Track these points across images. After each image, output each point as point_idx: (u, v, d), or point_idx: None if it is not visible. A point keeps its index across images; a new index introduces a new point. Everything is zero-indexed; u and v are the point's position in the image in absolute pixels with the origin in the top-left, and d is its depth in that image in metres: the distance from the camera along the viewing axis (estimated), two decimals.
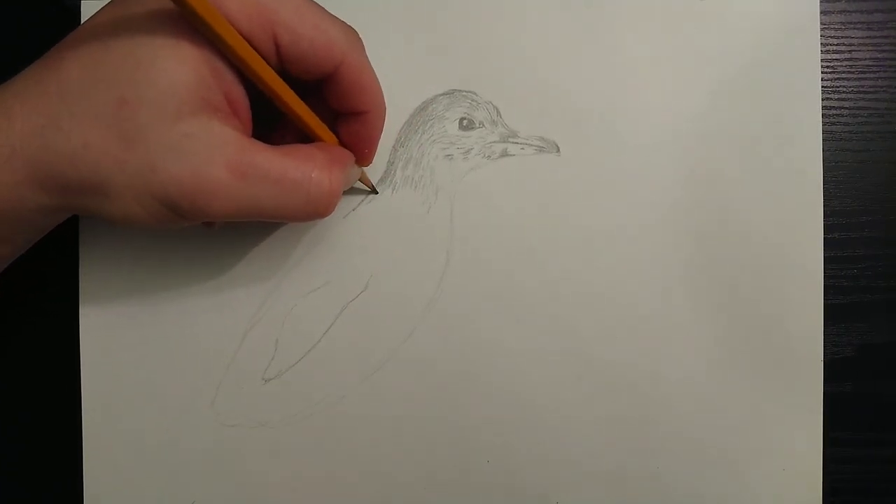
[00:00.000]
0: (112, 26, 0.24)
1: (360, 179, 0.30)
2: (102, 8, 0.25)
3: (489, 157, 0.31)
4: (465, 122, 0.31)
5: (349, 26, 0.26)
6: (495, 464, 0.31)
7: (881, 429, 0.32)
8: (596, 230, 0.31)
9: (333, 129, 0.28)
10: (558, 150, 0.31)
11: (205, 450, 0.32)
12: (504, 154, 0.31)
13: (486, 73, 0.31)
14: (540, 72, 0.31)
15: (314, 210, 0.26)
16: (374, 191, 0.31)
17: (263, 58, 0.24)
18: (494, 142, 0.31)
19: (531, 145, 0.31)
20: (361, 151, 0.28)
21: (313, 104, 0.27)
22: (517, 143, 0.31)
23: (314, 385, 0.32)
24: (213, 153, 0.24)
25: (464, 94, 0.31)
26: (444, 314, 0.31)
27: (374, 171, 0.31)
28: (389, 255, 0.31)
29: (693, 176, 0.31)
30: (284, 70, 0.25)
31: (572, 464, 0.31)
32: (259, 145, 0.25)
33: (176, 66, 0.23)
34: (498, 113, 0.31)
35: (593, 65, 0.31)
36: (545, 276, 0.31)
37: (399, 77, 0.31)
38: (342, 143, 0.28)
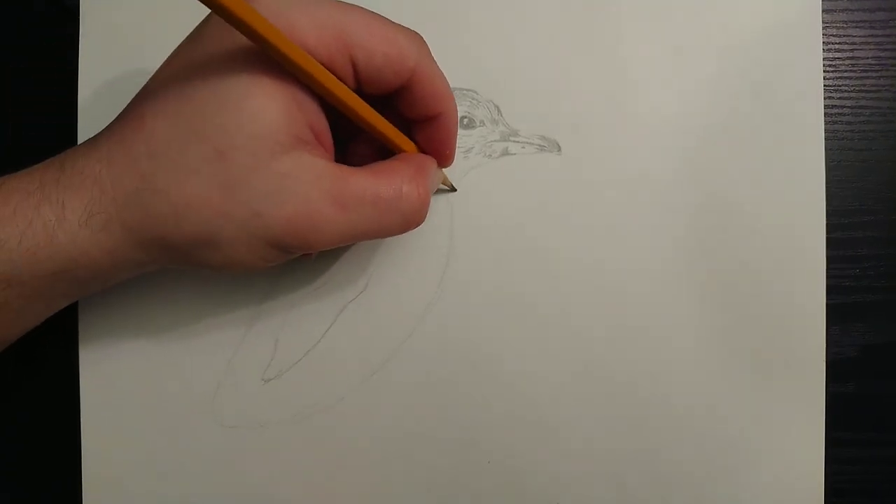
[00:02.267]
0: (188, 71, 0.23)
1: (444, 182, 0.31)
2: (174, 52, 0.25)
3: (490, 155, 0.31)
4: (465, 120, 0.31)
5: (413, 31, 0.26)
6: (496, 464, 0.31)
7: (883, 429, 0.32)
8: (597, 229, 0.31)
9: (409, 137, 0.28)
10: (559, 150, 0.31)
11: (204, 450, 0.32)
12: (505, 153, 0.31)
13: (487, 71, 0.31)
14: (541, 71, 0.31)
15: (409, 224, 0.26)
16: (453, 189, 0.31)
17: (342, 80, 0.24)
18: (495, 141, 0.31)
19: (532, 144, 0.31)
20: (442, 153, 0.28)
21: (387, 116, 0.27)
22: (518, 142, 0.31)
23: (314, 385, 0.32)
24: (311, 189, 0.24)
25: (464, 92, 0.31)
26: (443, 314, 0.31)
27: None
28: (389, 255, 0.31)
29: (694, 175, 0.31)
30: (360, 88, 0.25)
31: (573, 464, 0.31)
32: (348, 170, 0.25)
33: (263, 106, 0.23)
34: (499, 111, 0.31)
35: (594, 64, 0.31)
36: (545, 276, 0.31)
37: None
38: (420, 149, 0.28)
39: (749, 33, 0.31)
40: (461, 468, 0.31)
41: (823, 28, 0.31)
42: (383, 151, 0.28)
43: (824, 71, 0.31)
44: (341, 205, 0.24)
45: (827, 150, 0.31)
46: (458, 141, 0.31)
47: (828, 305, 0.31)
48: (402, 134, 0.27)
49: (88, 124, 0.32)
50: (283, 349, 0.31)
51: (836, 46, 0.32)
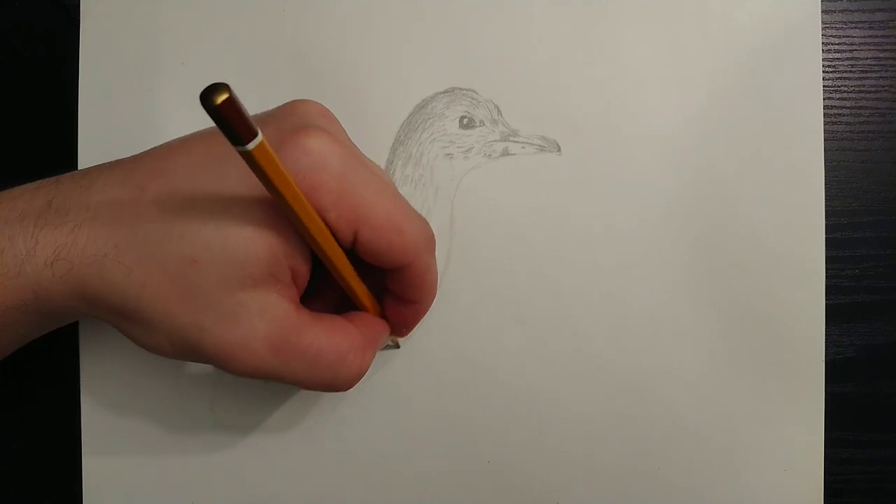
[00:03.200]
0: (200, 181, 0.24)
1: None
2: (201, 137, 0.25)
3: (490, 156, 0.31)
4: (465, 120, 0.31)
5: (426, 224, 0.27)
6: (496, 464, 0.31)
7: (883, 429, 0.32)
8: (597, 230, 0.31)
9: (380, 295, 0.28)
10: (559, 150, 0.31)
11: (204, 450, 0.32)
12: (505, 153, 0.31)
13: (487, 71, 0.31)
14: (541, 71, 0.31)
15: (336, 387, 0.26)
16: (396, 346, 0.31)
17: (339, 242, 0.25)
18: (495, 141, 0.31)
19: (532, 144, 0.31)
20: (399, 329, 0.29)
21: (367, 271, 0.27)
22: (518, 142, 0.31)
23: None
24: (260, 327, 0.24)
25: (464, 92, 0.31)
26: (443, 313, 0.31)
27: None
28: None
29: (694, 176, 0.31)
30: (353, 251, 0.26)
31: (573, 463, 0.31)
32: (305, 320, 0.25)
33: (253, 241, 0.23)
34: (499, 112, 0.31)
35: (594, 64, 0.31)
36: (545, 276, 0.31)
37: (399, 74, 0.31)
38: (383, 313, 0.29)
39: (749, 34, 0.31)
40: (461, 468, 0.31)
41: (823, 28, 0.31)
42: (350, 299, 0.28)
43: (824, 71, 0.31)
44: (278, 351, 0.24)
45: (827, 150, 0.31)
46: (458, 141, 0.31)
47: (827, 305, 0.31)
48: (373, 298, 0.28)
49: (88, 124, 0.32)
50: None
51: (836, 47, 0.32)
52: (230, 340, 0.24)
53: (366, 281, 0.27)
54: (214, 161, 0.24)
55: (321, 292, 0.29)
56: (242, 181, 0.23)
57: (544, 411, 0.31)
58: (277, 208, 0.23)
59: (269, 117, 0.25)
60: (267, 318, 0.24)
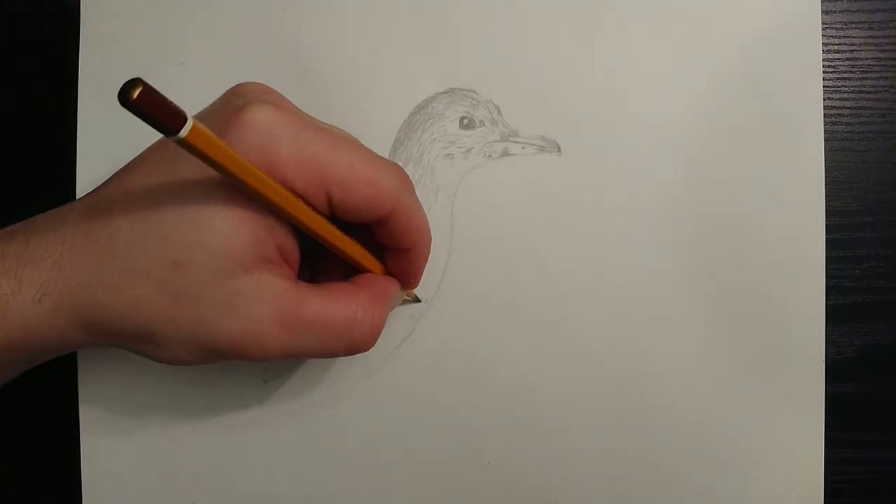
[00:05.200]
0: (162, 185, 0.24)
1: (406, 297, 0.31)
2: (155, 147, 0.25)
3: (490, 156, 0.31)
4: (465, 120, 0.31)
5: (400, 170, 0.26)
6: (496, 464, 0.31)
7: (883, 429, 0.32)
8: (597, 230, 0.31)
9: (379, 255, 0.28)
10: (559, 150, 0.31)
11: (204, 450, 0.32)
12: (505, 153, 0.31)
13: (487, 71, 0.31)
14: (540, 71, 0.31)
15: (356, 349, 0.26)
16: (417, 300, 0.31)
17: (315, 209, 0.25)
18: (495, 141, 0.31)
19: (532, 145, 0.31)
20: (407, 280, 0.29)
21: (359, 234, 0.27)
22: (518, 142, 0.31)
23: (314, 385, 0.32)
24: (262, 309, 0.24)
25: (464, 92, 0.31)
26: (443, 314, 0.31)
27: None
28: None
29: (694, 176, 0.31)
30: (334, 215, 0.25)
31: (573, 464, 0.31)
32: (305, 292, 0.25)
33: (230, 228, 0.23)
34: (499, 112, 0.31)
35: (594, 64, 0.31)
36: (546, 276, 0.31)
37: (399, 75, 0.31)
38: (388, 271, 0.29)
39: (748, 34, 0.31)
40: (460, 468, 0.31)
41: (823, 29, 0.31)
42: (353, 266, 0.28)
43: (824, 72, 0.31)
44: (289, 328, 0.24)
45: (826, 150, 0.31)
46: (458, 141, 0.31)
47: (827, 306, 0.31)
48: (370, 256, 0.28)
49: (88, 124, 0.32)
50: None
51: (836, 47, 0.32)
52: (237, 330, 0.24)
53: (360, 242, 0.27)
54: (170, 162, 0.24)
55: (323, 270, 0.29)
56: (203, 172, 0.23)
57: (544, 411, 0.31)
58: (244, 197, 0.23)
59: (210, 108, 0.25)
60: (266, 299, 0.24)
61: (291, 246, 0.25)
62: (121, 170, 0.25)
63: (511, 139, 0.31)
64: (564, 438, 0.31)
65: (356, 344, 0.26)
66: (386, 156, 0.31)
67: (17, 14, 0.33)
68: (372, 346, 0.26)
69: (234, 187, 0.23)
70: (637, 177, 0.31)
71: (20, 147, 0.32)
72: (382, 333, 0.31)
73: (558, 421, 0.31)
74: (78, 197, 0.31)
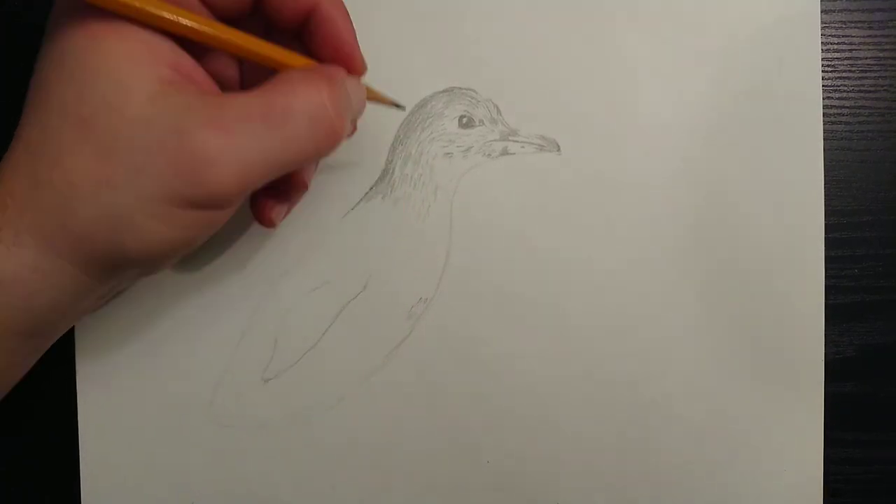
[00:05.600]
0: (43, 52, 0.23)
1: (373, 98, 0.28)
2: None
3: (489, 155, 0.31)
4: (464, 119, 0.31)
5: None
6: (495, 464, 0.31)
7: (882, 429, 0.32)
8: (596, 229, 0.31)
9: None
10: (559, 149, 0.31)
11: (204, 450, 0.31)
12: (504, 153, 0.31)
13: (486, 71, 0.31)
14: (540, 70, 0.31)
15: (320, 134, 0.23)
16: (396, 105, 0.29)
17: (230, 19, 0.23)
18: (494, 140, 0.31)
19: (531, 144, 0.31)
20: (346, 59, 0.25)
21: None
22: (517, 141, 0.31)
23: (313, 385, 0.32)
24: (183, 123, 0.21)
25: (463, 91, 0.31)
26: (443, 314, 0.31)
27: (372, 170, 0.31)
28: (388, 255, 0.31)
29: (693, 175, 0.31)
30: (264, 17, 0.24)
31: (573, 463, 0.31)
32: (229, 95, 0.23)
33: (108, 64, 0.22)
34: (498, 111, 0.31)
35: (594, 64, 0.31)
36: (545, 276, 0.31)
37: (398, 74, 0.31)
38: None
39: (748, 33, 0.31)
40: (460, 468, 0.31)
41: (822, 28, 0.31)
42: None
43: (823, 71, 0.31)
44: (223, 128, 0.22)
45: (826, 150, 0.31)
46: (457, 140, 0.31)
47: (827, 305, 0.31)
48: (297, 55, 0.25)
49: None
50: (283, 349, 0.31)
51: (835, 47, 0.32)
52: (172, 154, 0.21)
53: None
54: (48, 40, 0.23)
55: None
56: (70, 31, 0.22)
57: (544, 411, 0.31)
58: (111, 27, 0.22)
59: None
60: (181, 112, 0.22)
61: (189, 65, 0.23)
62: None
63: (510, 138, 0.31)
64: (564, 438, 0.31)
65: (315, 124, 0.23)
66: (385, 155, 0.31)
67: (17, 14, 0.33)
68: (342, 133, 0.24)
69: (99, 19, 0.22)
70: (637, 176, 0.31)
71: None
72: (382, 333, 0.31)
73: (558, 420, 0.31)
74: None
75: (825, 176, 0.31)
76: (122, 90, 0.22)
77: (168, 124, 0.21)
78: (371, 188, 0.31)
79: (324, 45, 0.25)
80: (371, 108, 0.31)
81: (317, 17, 0.25)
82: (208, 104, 0.22)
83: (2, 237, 0.22)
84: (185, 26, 0.23)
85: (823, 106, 0.31)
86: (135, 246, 0.22)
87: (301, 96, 0.23)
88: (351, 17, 0.26)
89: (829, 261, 0.31)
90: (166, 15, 0.22)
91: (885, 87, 0.32)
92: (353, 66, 0.26)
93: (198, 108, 0.22)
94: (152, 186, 0.21)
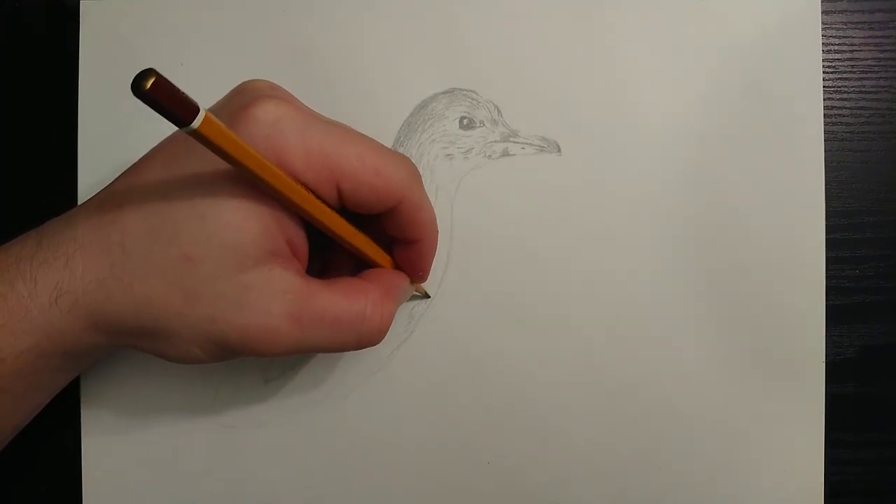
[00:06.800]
0: (173, 171, 0.24)
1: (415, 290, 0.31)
2: (167, 142, 0.25)
3: (490, 156, 0.31)
4: (465, 121, 0.31)
5: (408, 161, 0.27)
6: (495, 465, 0.31)
7: (883, 430, 0.32)
8: (596, 230, 0.31)
9: (388, 250, 0.28)
10: (559, 150, 0.31)
11: (205, 450, 0.32)
12: (505, 154, 0.31)
13: (487, 72, 0.31)
14: (540, 71, 0.31)
15: (365, 344, 0.26)
16: (426, 296, 0.31)
17: (325, 201, 0.25)
18: (495, 141, 0.31)
19: (532, 145, 0.31)
20: (415, 273, 0.29)
21: (368, 228, 0.27)
22: (518, 142, 0.31)
23: (314, 386, 0.32)
24: (272, 303, 0.24)
25: (464, 92, 0.31)
26: (444, 314, 0.31)
27: None
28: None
29: (694, 176, 0.31)
30: (343, 206, 0.26)
31: (572, 464, 0.31)
32: (315, 287, 0.25)
33: (240, 222, 0.23)
34: (499, 112, 0.31)
35: (594, 65, 0.31)
36: (545, 277, 0.31)
37: (399, 75, 0.31)
38: (397, 265, 0.29)
39: (748, 35, 0.31)
40: (460, 469, 0.31)
41: (823, 29, 0.31)
42: (362, 260, 0.28)
43: (824, 72, 0.31)
44: (299, 322, 0.24)
45: (827, 151, 0.31)
46: (458, 141, 0.31)
47: (827, 306, 0.31)
48: (379, 250, 0.28)
49: (88, 124, 0.32)
50: None
51: (836, 48, 0.32)
52: (247, 324, 0.24)
53: (369, 235, 0.27)
54: (181, 156, 0.24)
55: (332, 265, 0.29)
56: (213, 166, 0.23)
57: (544, 411, 0.31)
58: (254, 189, 0.23)
59: (218, 104, 0.25)
60: (276, 293, 0.24)
61: (301, 240, 0.25)
62: (131, 166, 0.25)
63: (511, 139, 0.31)
64: (564, 438, 0.31)
65: (365, 338, 0.26)
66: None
67: (17, 14, 0.33)
68: (381, 340, 0.26)
69: (244, 180, 0.23)
70: (637, 177, 0.31)
71: (20, 147, 0.32)
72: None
73: (558, 421, 0.31)
74: (79, 196, 0.32)
75: (826, 177, 0.31)
76: (237, 253, 0.23)
77: (259, 299, 0.24)
78: None
79: (403, 236, 0.27)
80: (371, 109, 0.31)
81: (406, 215, 0.27)
82: (298, 293, 0.24)
83: (59, 302, 0.24)
84: (319, 219, 0.24)
85: (824, 107, 0.31)
86: (169, 354, 0.25)
87: (368, 315, 0.26)
88: (421, 177, 0.27)
89: (830, 261, 0.31)
90: (311, 210, 0.24)
91: (885, 88, 0.32)
92: (420, 276, 0.29)
93: (289, 294, 0.24)
94: (215, 334, 0.24)
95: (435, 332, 0.31)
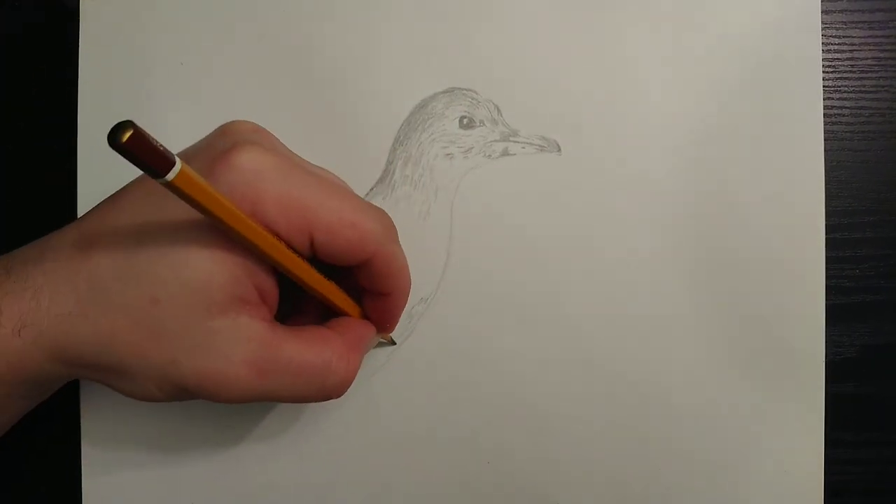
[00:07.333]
0: (144, 222, 0.24)
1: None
2: (132, 194, 0.25)
3: (489, 156, 0.31)
4: (465, 120, 0.31)
5: (383, 214, 0.27)
6: (495, 465, 0.31)
7: (883, 430, 0.32)
8: (596, 230, 0.31)
9: (359, 298, 0.28)
10: (559, 150, 0.31)
11: (204, 451, 0.32)
12: (505, 153, 0.31)
13: (487, 71, 0.31)
14: (541, 71, 0.31)
15: (328, 396, 0.26)
16: (392, 342, 0.31)
17: (296, 252, 0.25)
18: (495, 141, 0.31)
19: (532, 144, 0.31)
20: (383, 324, 0.29)
21: (340, 277, 0.27)
22: (518, 142, 0.31)
23: None
24: (234, 350, 0.24)
25: (464, 92, 0.31)
26: (443, 314, 0.31)
27: (372, 171, 0.31)
28: None
29: (694, 176, 0.31)
30: (315, 257, 0.26)
31: (572, 464, 0.31)
32: (280, 336, 0.25)
33: (209, 268, 0.23)
34: (499, 111, 0.31)
35: (594, 64, 0.31)
36: (545, 276, 0.31)
37: (398, 74, 0.31)
38: (365, 314, 0.29)
39: (748, 34, 0.31)
40: (460, 468, 0.31)
41: (823, 29, 0.31)
42: (329, 308, 0.28)
43: (824, 72, 0.31)
44: (260, 370, 0.24)
45: (826, 150, 0.31)
46: (458, 141, 0.31)
47: (827, 306, 0.31)
48: (348, 299, 0.28)
49: (88, 124, 0.32)
50: None
51: (836, 47, 0.32)
52: (209, 370, 0.24)
53: (340, 284, 0.27)
54: (154, 199, 0.24)
55: (301, 309, 0.29)
56: (185, 212, 0.23)
57: (544, 412, 0.31)
58: (224, 238, 0.23)
59: (199, 146, 0.25)
60: (241, 340, 0.24)
61: (270, 287, 0.25)
62: (105, 201, 0.25)
63: (511, 139, 0.31)
64: (564, 438, 0.31)
65: (328, 390, 0.26)
66: (386, 155, 0.31)
67: (17, 14, 0.33)
68: (344, 392, 0.26)
69: (216, 228, 0.23)
70: (637, 177, 0.31)
71: (20, 147, 0.32)
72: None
73: (558, 421, 0.31)
74: (79, 196, 0.32)
75: (826, 176, 0.31)
76: (204, 298, 0.23)
77: (222, 345, 0.24)
78: (371, 189, 0.31)
79: (375, 289, 0.28)
80: (371, 109, 0.31)
81: (379, 269, 0.27)
82: (263, 343, 0.24)
83: (23, 334, 0.24)
84: (289, 268, 0.24)
85: (824, 106, 0.31)
86: (128, 391, 0.25)
87: (332, 367, 0.25)
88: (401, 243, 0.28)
89: (830, 261, 0.31)
90: (277, 257, 0.24)
91: (885, 88, 0.32)
92: (388, 327, 0.30)
93: (253, 343, 0.24)
94: (174, 376, 0.24)
95: (434, 332, 0.31)
